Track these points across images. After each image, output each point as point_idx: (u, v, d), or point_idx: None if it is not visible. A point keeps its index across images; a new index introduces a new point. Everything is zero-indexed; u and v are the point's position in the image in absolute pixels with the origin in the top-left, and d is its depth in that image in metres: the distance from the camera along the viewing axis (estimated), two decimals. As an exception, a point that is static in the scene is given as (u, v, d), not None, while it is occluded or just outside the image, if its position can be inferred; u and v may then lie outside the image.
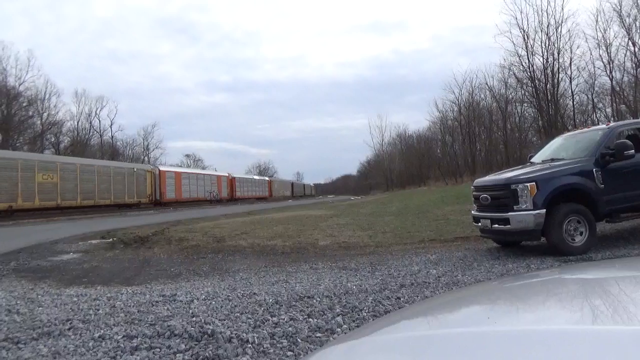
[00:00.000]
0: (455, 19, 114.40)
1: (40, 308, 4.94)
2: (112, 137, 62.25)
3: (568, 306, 1.04)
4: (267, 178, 73.55)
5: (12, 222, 21.69)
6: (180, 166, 62.71)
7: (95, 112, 59.18)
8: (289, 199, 73.67)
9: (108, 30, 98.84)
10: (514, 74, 37.79)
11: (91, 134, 59.33)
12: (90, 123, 58.79)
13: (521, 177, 7.10)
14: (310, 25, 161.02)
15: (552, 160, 7.72)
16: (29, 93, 48.32)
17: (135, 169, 37.00)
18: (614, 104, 33.00)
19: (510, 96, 43.29)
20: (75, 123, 56.82)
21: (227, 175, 55.85)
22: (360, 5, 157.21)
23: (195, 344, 3.46)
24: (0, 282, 6.80)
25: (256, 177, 68.32)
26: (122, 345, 3.49)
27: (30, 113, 48.77)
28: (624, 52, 31.58)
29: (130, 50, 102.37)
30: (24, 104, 47.78)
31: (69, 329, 4.03)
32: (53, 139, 52.63)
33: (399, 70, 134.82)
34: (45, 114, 50.65)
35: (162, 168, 42.67)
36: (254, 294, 5.17)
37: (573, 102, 35.86)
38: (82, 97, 57.65)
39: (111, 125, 61.31)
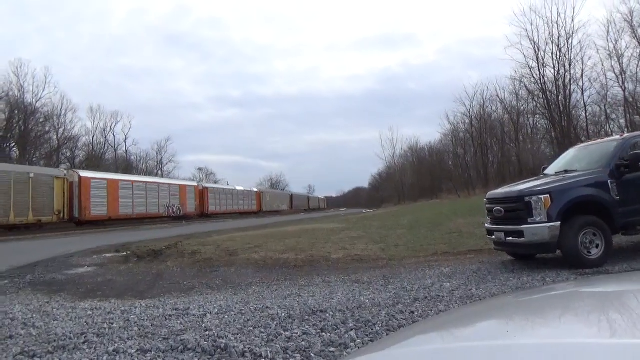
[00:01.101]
0: (463, 31, 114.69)
1: (55, 321, 4.98)
2: (127, 151, 63.11)
3: (585, 320, 1.03)
4: (255, 189, 63.51)
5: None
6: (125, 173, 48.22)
7: (110, 127, 60.15)
8: (290, 213, 67.03)
9: (121, 48, 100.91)
10: (525, 85, 37.73)
11: (106, 148, 60.27)
12: (105, 138, 59.77)
13: (535, 189, 7.03)
14: (319, 40, 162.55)
15: (566, 171, 7.65)
16: (46, 109, 49.39)
17: (31, 174, 25.56)
18: (628, 115, 32.64)
19: (522, 108, 43.14)
20: (91, 138, 57.84)
21: (196, 185, 47.22)
22: (369, 19, 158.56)
23: (209, 358, 3.46)
24: (16, 295, 6.88)
25: (239, 188, 56.99)
26: (136, 359, 3.51)
27: (47, 128, 49.76)
28: (636, 62, 31.37)
29: (143, 66, 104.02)
30: (41, 120, 48.74)
31: (83, 343, 4.05)
32: (69, 154, 53.52)
33: (408, 84, 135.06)
34: (61, 130, 51.65)
35: (83, 174, 30.44)
36: (267, 307, 5.16)
37: (586, 113, 35.57)
38: (97, 112, 58.65)
39: (125, 139, 62.19)
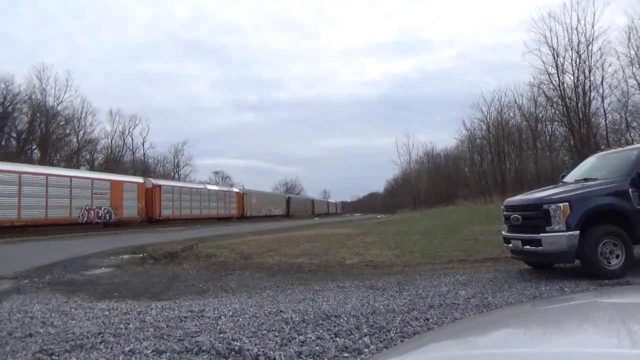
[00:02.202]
0: (480, 37, 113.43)
1: (73, 321, 5.06)
2: (144, 154, 63.97)
3: (604, 331, 1.02)
4: (236, 189, 52.42)
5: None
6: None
7: (129, 130, 61.08)
8: (287, 219, 58.97)
9: (140, 53, 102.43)
10: (544, 92, 37.21)
11: (124, 151, 61.18)
12: (124, 141, 60.69)
13: (554, 197, 6.94)
14: (335, 45, 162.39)
15: (586, 180, 7.53)
16: (67, 112, 50.43)
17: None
18: (650, 123, 31.99)
19: (540, 115, 42.56)
20: (110, 141, 58.75)
21: (141, 182, 35.26)
22: (385, 25, 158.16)
23: (223, 361, 3.49)
24: (36, 294, 7.01)
25: (212, 188, 46.09)
26: (151, 359, 3.55)
27: (67, 131, 50.74)
28: (659, 69, 30.67)
29: (161, 71, 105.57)
30: (62, 123, 49.79)
31: (100, 342, 4.11)
32: (88, 156, 54.45)
33: (424, 89, 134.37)
34: (81, 132, 52.62)
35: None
36: (281, 311, 5.17)
37: (605, 120, 34.91)
38: (116, 116, 59.61)
39: (143, 143, 63.09)
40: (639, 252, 7.63)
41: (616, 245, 6.57)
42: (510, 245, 7.48)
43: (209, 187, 46.47)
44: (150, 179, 38.06)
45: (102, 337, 4.29)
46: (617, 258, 6.56)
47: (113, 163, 54.02)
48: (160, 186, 37.16)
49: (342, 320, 4.64)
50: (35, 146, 47.43)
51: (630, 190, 6.76)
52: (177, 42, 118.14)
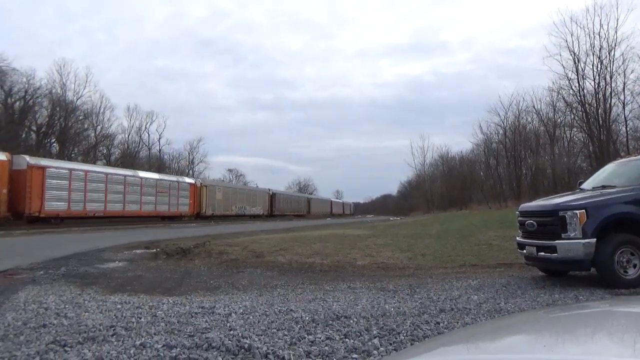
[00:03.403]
0: (496, 41, 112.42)
1: (86, 313, 5.13)
2: (160, 150, 64.63)
3: (618, 340, 1.00)
4: (188, 180, 40.75)
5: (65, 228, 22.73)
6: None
7: (145, 126, 61.80)
8: (270, 219, 51.43)
9: (158, 50, 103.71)
10: (563, 97, 36.64)
11: (140, 147, 61.88)
12: (140, 137, 61.40)
13: (570, 203, 6.84)
14: (350, 46, 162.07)
15: (604, 187, 7.40)
16: (85, 107, 51.20)
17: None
18: (672, 131, 31.35)
19: (559, 120, 41.95)
20: (126, 136, 59.52)
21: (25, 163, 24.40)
22: (400, 26, 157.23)
23: (232, 358, 3.50)
24: (51, 286, 7.12)
25: (147, 176, 35.49)
26: (161, 354, 3.57)
27: (86, 126, 51.47)
28: (683, 76, 30.05)
29: (178, 68, 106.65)
30: (80, 117, 50.51)
31: (112, 335, 4.16)
32: (105, 151, 55.21)
33: (440, 92, 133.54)
34: (99, 127, 53.37)
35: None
36: (291, 310, 5.18)
37: (626, 127, 34.27)
38: (133, 112, 60.36)
39: (159, 139, 63.73)
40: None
41: (634, 255, 6.45)
42: (525, 251, 7.39)
43: (142, 174, 34.85)
44: (25, 156, 25.55)
45: (114, 330, 4.34)
46: (634, 267, 6.44)
47: (129, 158, 54.67)
48: (42, 168, 25.35)
49: (352, 321, 4.63)
50: (54, 140, 48.22)
51: (649, 198, 6.63)
52: (193, 40, 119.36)
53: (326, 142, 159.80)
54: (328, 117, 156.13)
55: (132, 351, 3.66)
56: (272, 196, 58.20)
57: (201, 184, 42.13)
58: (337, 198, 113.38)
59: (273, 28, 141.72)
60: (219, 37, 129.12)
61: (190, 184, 40.05)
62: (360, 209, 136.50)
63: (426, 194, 74.54)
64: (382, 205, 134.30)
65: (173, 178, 39.25)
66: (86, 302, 5.82)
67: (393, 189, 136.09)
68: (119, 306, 5.52)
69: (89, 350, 3.73)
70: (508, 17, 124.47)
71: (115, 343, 3.94)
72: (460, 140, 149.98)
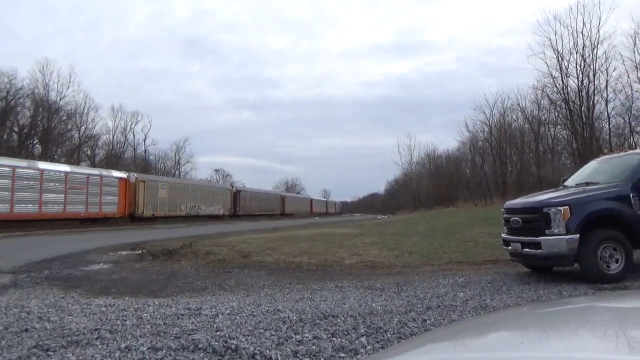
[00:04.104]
0: (480, 40, 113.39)
1: (70, 317, 5.05)
2: (145, 151, 63.97)
3: (601, 335, 1.01)
4: (117, 174, 32.64)
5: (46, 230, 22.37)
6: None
7: (130, 126, 61.09)
8: (237, 218, 47.01)
9: (141, 50, 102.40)
10: (547, 95, 37.13)
11: (125, 147, 61.19)
12: (125, 137, 60.70)
13: (554, 200, 6.92)
14: (334, 45, 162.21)
15: (587, 184, 7.51)
16: (69, 107, 50.39)
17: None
18: (653, 128, 31.94)
19: (543, 118, 42.50)
20: (111, 137, 58.77)
21: None
22: (384, 25, 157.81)
23: (219, 359, 3.48)
24: (33, 289, 7.00)
25: (87, 171, 30.54)
26: (147, 356, 3.53)
27: (69, 126, 50.70)
28: (664, 74, 30.62)
29: (161, 68, 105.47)
30: (64, 118, 49.74)
31: (96, 339, 4.10)
32: (89, 152, 54.49)
33: (424, 91, 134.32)
34: (83, 128, 52.57)
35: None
36: (278, 310, 5.16)
37: (609, 125, 34.86)
38: (118, 112, 59.62)
39: (145, 139, 63.06)
40: (638, 256, 7.61)
41: (616, 250, 6.55)
42: (510, 247, 7.47)
43: (43, 165, 27.37)
44: None
45: (98, 333, 4.27)
46: (616, 262, 6.54)
47: (114, 159, 54.04)
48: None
49: (339, 320, 4.62)
50: (36, 141, 47.45)
51: (631, 195, 6.74)
52: (177, 40, 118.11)
53: (313, 142, 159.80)
54: (314, 116, 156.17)
55: (117, 354, 3.61)
56: (236, 194, 50.72)
57: (137, 178, 34.29)
58: (324, 197, 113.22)
59: (257, 27, 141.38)
60: (203, 37, 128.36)
61: (120, 178, 32.20)
62: (347, 207, 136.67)
63: (413, 192, 75.03)
64: (370, 204, 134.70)
65: (93, 171, 31.42)
66: (70, 305, 5.73)
67: (380, 187, 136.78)
68: (103, 309, 5.45)
69: (73, 354, 3.67)
70: (491, 16, 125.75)
71: (99, 346, 3.88)
72: (446, 139, 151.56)
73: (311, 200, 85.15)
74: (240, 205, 50.89)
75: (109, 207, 30.48)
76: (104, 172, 31.96)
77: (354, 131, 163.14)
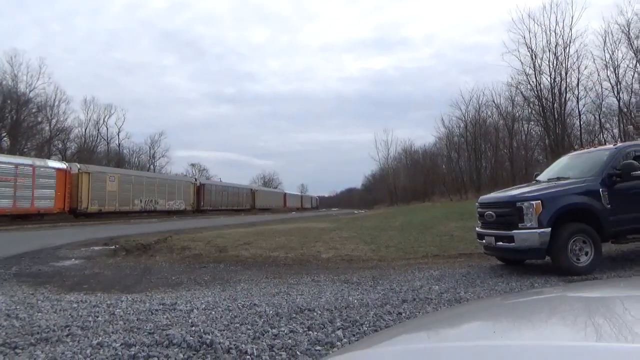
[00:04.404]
0: (457, 37, 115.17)
1: (39, 313, 4.92)
2: (119, 144, 62.72)
3: (571, 324, 1.02)
4: (53, 164, 29.25)
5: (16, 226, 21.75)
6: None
7: (104, 119, 59.75)
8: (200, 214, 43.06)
9: (116, 42, 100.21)
10: (521, 92, 37.92)
11: (98, 141, 59.87)
12: (98, 130, 59.36)
13: (527, 195, 7.06)
14: (314, 40, 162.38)
15: (558, 179, 7.68)
16: (39, 99, 48.97)
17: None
18: (621, 125, 32.90)
19: (517, 114, 43.40)
20: (83, 130, 57.40)
21: None
22: (363, 21, 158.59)
23: (194, 354, 3.43)
24: (1, 286, 6.79)
25: (17, 161, 26.58)
26: (120, 353, 3.46)
27: (39, 119, 49.30)
28: (632, 73, 31.63)
29: (137, 61, 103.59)
30: (34, 110, 48.31)
31: (67, 336, 4.00)
32: (60, 145, 53.10)
33: (403, 87, 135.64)
34: (54, 121, 51.22)
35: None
36: (255, 305, 5.13)
37: (580, 121, 35.86)
38: (90, 104, 58.24)
39: (118, 133, 61.79)
40: (607, 249, 7.85)
41: (585, 243, 6.72)
42: (484, 241, 7.59)
43: None
44: None
45: (69, 330, 4.17)
46: (586, 255, 6.71)
47: (87, 153, 52.85)
48: None
49: (315, 313, 4.62)
50: (4, 134, 45.99)
51: (600, 189, 6.92)
52: (153, 32, 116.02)
53: (292, 136, 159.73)
54: (293, 111, 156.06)
55: (88, 351, 3.53)
56: (200, 187, 47.21)
57: (80, 169, 30.15)
58: (301, 192, 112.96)
59: (236, 21, 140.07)
60: (180, 29, 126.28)
61: (59, 169, 28.31)
62: (325, 202, 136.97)
63: (390, 187, 75.59)
64: (347, 199, 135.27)
65: (24, 160, 27.42)
66: (39, 302, 5.58)
67: (358, 182, 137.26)
68: (74, 305, 5.32)
69: (42, 352, 3.57)
70: (468, 13, 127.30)
71: (70, 343, 3.78)
72: (423, 134, 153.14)
73: (285, 194, 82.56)
74: (204, 200, 47.32)
75: (44, 201, 26.81)
76: (38, 161, 28.24)
77: (333, 126, 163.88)
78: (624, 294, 1.30)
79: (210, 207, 48.49)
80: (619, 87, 32.29)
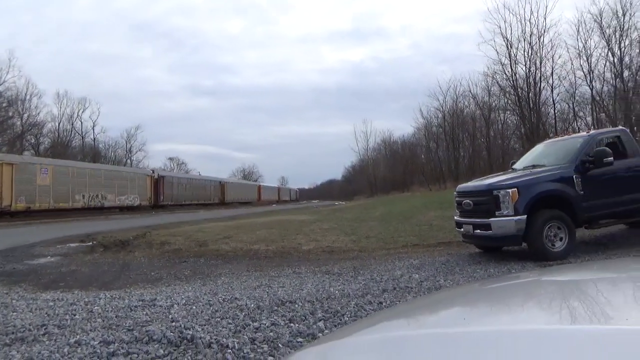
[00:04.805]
0: (433, 28, 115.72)
1: (14, 313, 4.81)
2: (95, 139, 61.42)
3: (546, 307, 1.03)
4: None
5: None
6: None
7: (78, 113, 58.25)
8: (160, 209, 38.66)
9: (88, 33, 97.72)
10: (497, 82, 38.32)
11: (72, 135, 58.50)
12: (72, 125, 57.91)
13: (503, 183, 7.17)
14: (292, 32, 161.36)
15: (534, 166, 7.82)
16: (9, 93, 47.39)
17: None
18: (594, 113, 33.63)
19: (494, 104, 43.89)
20: (57, 124, 55.95)
21: None
22: (340, 12, 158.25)
23: (174, 350, 3.40)
24: (-27, 286, 6.62)
25: None
26: (98, 351, 3.41)
27: (10, 114, 47.83)
28: (604, 62, 32.27)
29: (111, 53, 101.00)
30: (4, 105, 46.85)
31: (43, 335, 3.93)
32: (33, 140, 51.73)
33: (380, 78, 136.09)
34: (25, 115, 49.73)
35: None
36: (236, 298, 5.11)
37: (554, 110, 36.50)
38: (64, 98, 56.69)
39: (94, 127, 60.39)
40: (580, 234, 8.04)
41: (560, 229, 6.87)
42: (462, 229, 7.69)
43: None
44: None
45: (45, 329, 4.09)
46: (560, 241, 6.86)
47: (61, 148, 51.63)
48: None
49: (297, 305, 4.63)
50: (-27, 129, 44.64)
51: (574, 176, 7.07)
52: (127, 23, 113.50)
53: (271, 129, 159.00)
54: (272, 103, 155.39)
55: (65, 350, 3.47)
56: (158, 180, 41.67)
57: (1, 162, 25.49)
58: (282, 184, 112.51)
59: (212, 12, 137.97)
60: (155, 20, 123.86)
61: None
62: (305, 194, 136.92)
63: (370, 178, 75.91)
64: (328, 191, 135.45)
65: None
66: (14, 301, 5.46)
67: (338, 174, 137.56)
68: (51, 304, 5.22)
69: (17, 352, 3.49)
70: (444, 3, 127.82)
71: (47, 342, 3.71)
72: (401, 125, 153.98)
73: (259, 187, 76.39)
74: (164, 194, 42.17)
75: None
76: None
77: (313, 118, 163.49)
78: (597, 276, 1.33)
79: (172, 202, 43.46)
80: (591, 75, 32.95)
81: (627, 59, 31.00)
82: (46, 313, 4.76)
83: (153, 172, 43.05)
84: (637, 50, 30.34)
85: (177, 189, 45.83)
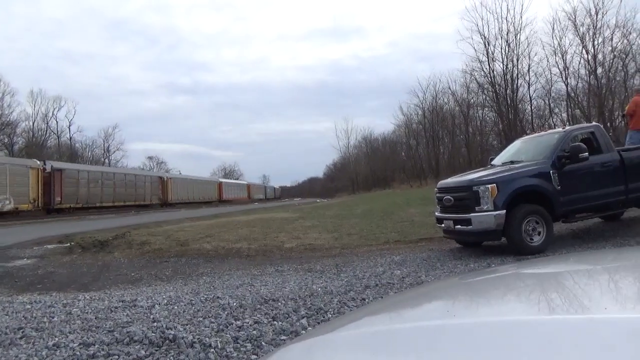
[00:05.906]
0: (410, 26, 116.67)
1: (-10, 316, 4.69)
2: (71, 138, 60.28)
3: (525, 299, 1.05)
4: None
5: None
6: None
7: (53, 112, 57.25)
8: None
9: (60, 31, 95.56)
10: (476, 79, 38.84)
11: (48, 135, 57.33)
12: (47, 124, 56.85)
13: (482, 179, 7.26)
14: (270, 30, 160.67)
15: (512, 162, 7.94)
16: (-20, 92, 46.20)
17: None
18: (569, 109, 34.34)
19: (472, 100, 44.43)
20: (31, 124, 54.76)
21: None
22: (319, 10, 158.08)
23: (156, 350, 3.36)
24: (-54, 290, 6.44)
25: None
26: (78, 353, 3.35)
27: (-18, 113, 46.63)
28: (579, 59, 32.97)
29: (85, 51, 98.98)
30: (-25, 104, 45.66)
31: (20, 338, 3.84)
32: (6, 140, 50.46)
33: (359, 76, 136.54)
34: (-2, 114, 48.53)
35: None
36: (218, 297, 5.08)
37: (531, 107, 37.18)
38: (38, 97, 55.66)
39: (69, 126, 59.40)
40: (558, 228, 8.20)
41: (538, 223, 7.00)
42: (443, 225, 7.77)
43: None
44: None
45: (22, 332, 4.00)
46: (539, 235, 6.99)
47: (35, 147, 50.49)
48: None
49: (280, 303, 4.62)
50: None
51: (551, 171, 7.21)
52: (101, 20, 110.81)
53: (251, 127, 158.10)
54: (251, 101, 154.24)
55: (44, 353, 3.40)
56: (50, 176, 30.75)
57: None
58: (263, 182, 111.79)
59: (187, 9, 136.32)
60: (129, 18, 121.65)
61: None
62: (287, 192, 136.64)
63: (351, 175, 76.18)
64: (309, 188, 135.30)
65: None
66: (-11, 304, 5.32)
67: (320, 171, 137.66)
68: (28, 306, 5.11)
69: (-6, 356, 3.41)
70: (423, 2, 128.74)
71: (24, 346, 3.63)
72: (382, 122, 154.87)
73: (220, 183, 66.03)
74: (63, 194, 31.71)
75: None
76: None
77: (293, 116, 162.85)
78: (573, 268, 1.36)
79: (79, 204, 33.38)
80: (566, 72, 33.65)
81: (600, 56, 31.76)
82: (23, 316, 4.66)
83: (44, 164, 31.29)
84: (610, 48, 31.10)
85: (87, 186, 34.39)
